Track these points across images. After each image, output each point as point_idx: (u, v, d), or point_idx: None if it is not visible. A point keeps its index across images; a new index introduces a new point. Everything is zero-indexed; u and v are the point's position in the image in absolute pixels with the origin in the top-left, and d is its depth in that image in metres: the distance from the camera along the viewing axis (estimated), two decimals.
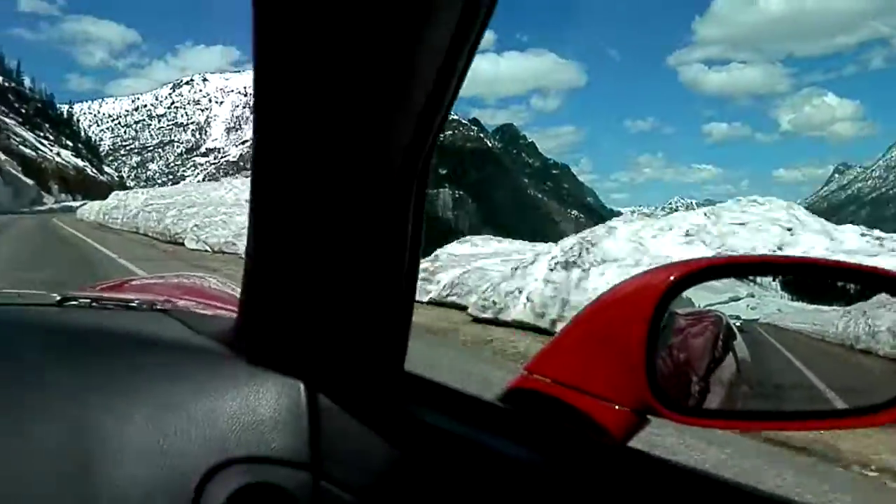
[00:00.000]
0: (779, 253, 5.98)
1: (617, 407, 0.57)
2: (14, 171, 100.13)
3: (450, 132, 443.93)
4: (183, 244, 16.95)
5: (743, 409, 0.64)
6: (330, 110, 0.45)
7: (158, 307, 0.83)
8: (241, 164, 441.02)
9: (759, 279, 0.66)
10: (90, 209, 35.08)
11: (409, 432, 0.55)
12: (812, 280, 0.67)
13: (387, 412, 0.56)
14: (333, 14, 0.41)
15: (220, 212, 18.72)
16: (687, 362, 0.63)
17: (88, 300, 0.82)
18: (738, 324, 0.66)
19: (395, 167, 0.49)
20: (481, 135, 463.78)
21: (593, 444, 0.53)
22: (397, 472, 0.54)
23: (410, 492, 0.53)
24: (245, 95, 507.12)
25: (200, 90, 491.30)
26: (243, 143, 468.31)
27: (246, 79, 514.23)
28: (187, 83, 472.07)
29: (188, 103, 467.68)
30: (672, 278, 0.57)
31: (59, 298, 0.80)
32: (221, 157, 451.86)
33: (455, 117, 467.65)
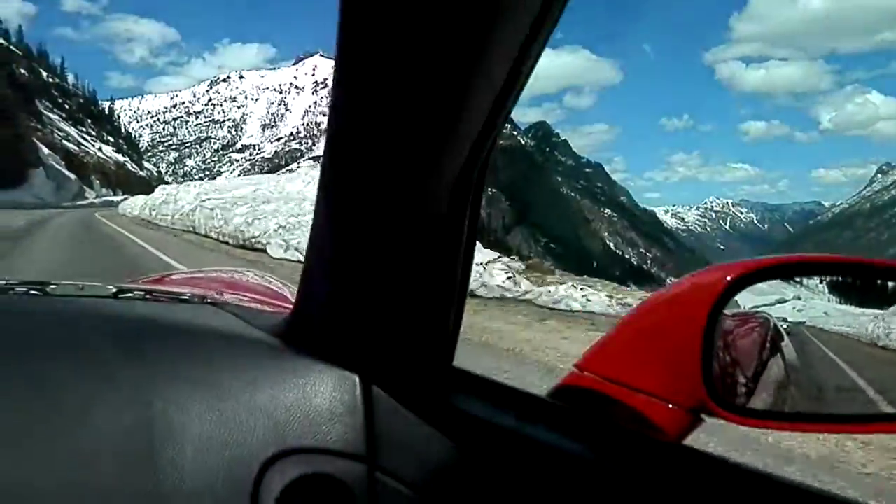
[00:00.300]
0: None
1: (671, 406, 0.56)
2: (57, 166, 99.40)
3: None
4: (264, 251, 12.81)
5: (794, 412, 0.64)
6: (401, 111, 0.46)
7: (209, 300, 0.84)
8: (276, 160, 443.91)
9: (804, 281, 0.66)
10: (133, 204, 32.41)
11: (460, 426, 0.56)
12: (861, 280, 0.66)
13: (439, 406, 0.57)
14: (410, 13, 0.41)
15: (305, 209, 14.68)
16: (735, 363, 0.63)
17: (143, 292, 0.83)
18: (785, 326, 0.66)
19: (458, 168, 0.49)
20: (514, 132, 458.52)
21: (648, 442, 0.53)
22: (451, 465, 0.55)
23: (464, 484, 0.54)
24: (280, 93, 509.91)
25: (237, 87, 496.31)
26: (278, 139, 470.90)
27: (281, 76, 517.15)
28: (224, 80, 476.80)
29: (224, 100, 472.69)
30: (729, 278, 0.57)
31: (114, 290, 0.80)
32: (257, 154, 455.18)
33: None
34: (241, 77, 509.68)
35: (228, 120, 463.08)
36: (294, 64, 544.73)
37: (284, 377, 0.57)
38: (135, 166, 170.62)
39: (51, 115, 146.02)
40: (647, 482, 0.46)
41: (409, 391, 0.57)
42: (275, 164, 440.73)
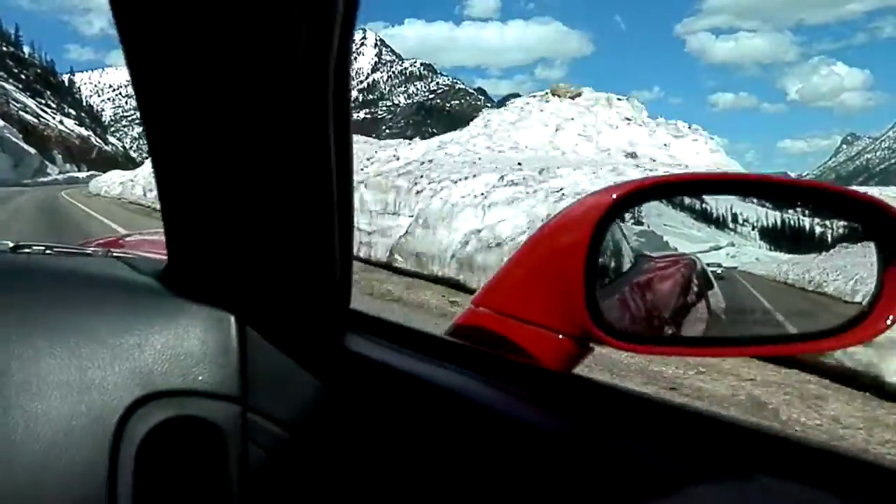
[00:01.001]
0: None
1: (560, 336, 0.57)
2: (14, 139, 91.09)
3: (456, 101, 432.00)
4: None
5: (688, 336, 0.66)
6: (221, 47, 0.45)
7: (114, 253, 0.82)
8: None
9: (738, 228, 0.68)
10: (109, 182, 26.72)
11: (347, 366, 0.56)
12: (747, 196, 0.69)
13: (322, 346, 0.57)
14: None
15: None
16: (650, 299, 0.66)
17: (43, 248, 0.81)
18: (719, 271, 0.68)
19: (301, 96, 0.47)
20: (487, 104, 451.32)
21: (535, 371, 0.52)
22: (327, 405, 0.54)
23: (339, 424, 0.54)
24: None
25: None
26: None
27: None
28: None
29: None
30: (610, 199, 0.56)
31: (12, 245, 0.80)
32: None
33: (461, 86, 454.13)
34: None
35: None
36: None
37: (158, 320, 0.55)
38: (99, 141, 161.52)
39: (5, 85, 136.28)
40: (534, 410, 0.44)
41: (290, 331, 0.56)
42: None
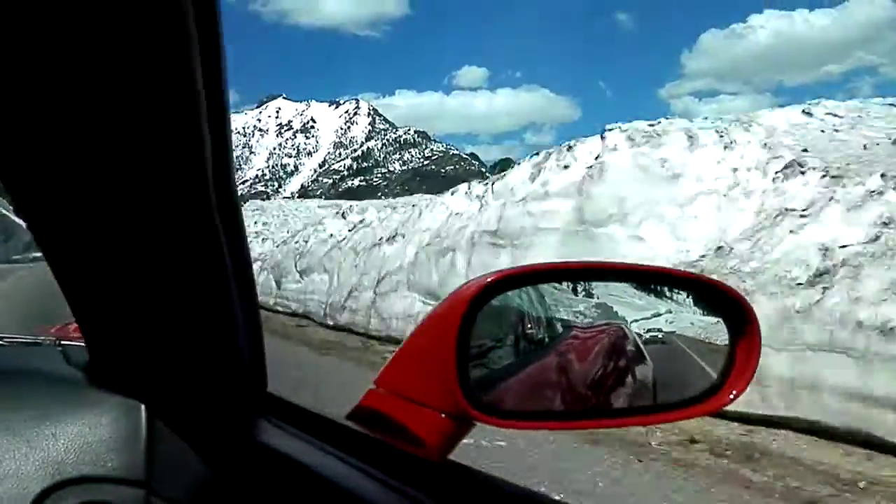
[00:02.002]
0: None
1: (442, 415, 0.60)
2: (3, 211, 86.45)
3: (451, 166, 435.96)
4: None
5: (563, 411, 0.70)
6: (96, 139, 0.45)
7: (60, 342, 0.85)
8: (243, 203, 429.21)
9: (673, 296, 0.74)
10: None
11: (246, 454, 0.58)
12: (595, 281, 0.75)
13: (226, 434, 0.60)
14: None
15: None
16: (555, 372, 0.69)
17: None
18: (660, 335, 0.73)
19: (182, 186, 0.49)
20: (482, 169, 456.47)
21: (418, 462, 0.56)
22: (224, 493, 0.57)
23: None
24: (244, 136, 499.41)
25: None
26: (243, 182, 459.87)
27: (244, 119, 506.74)
28: None
29: None
30: (482, 284, 0.61)
31: None
32: None
33: (455, 152, 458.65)
34: None
35: None
36: (257, 107, 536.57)
37: (75, 410, 0.58)
38: None
39: None
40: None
41: (197, 419, 0.59)
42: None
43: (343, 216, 11.78)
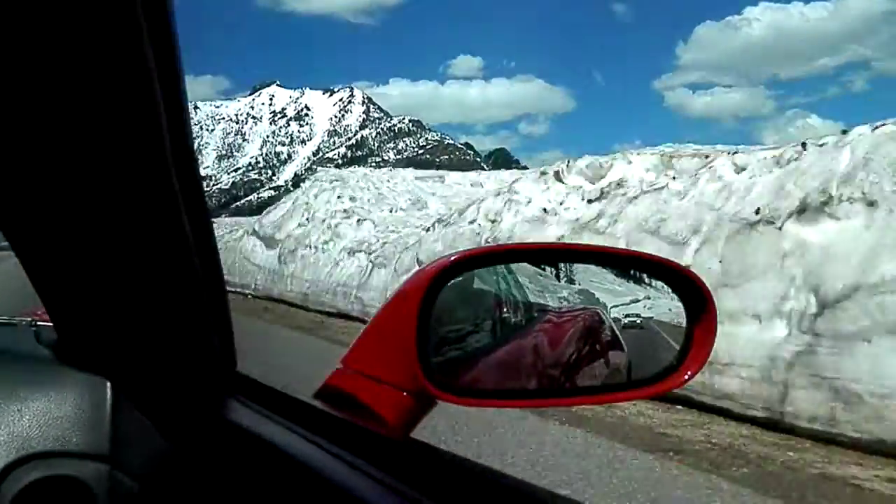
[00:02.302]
0: None
1: (405, 393, 0.61)
2: None
3: (446, 156, 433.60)
4: None
5: (528, 389, 0.70)
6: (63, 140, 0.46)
7: (34, 323, 0.87)
8: (234, 191, 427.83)
9: (653, 282, 0.75)
10: None
11: (211, 431, 0.60)
12: (565, 263, 0.76)
13: (192, 411, 0.61)
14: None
15: None
16: (525, 352, 0.70)
17: None
18: (638, 320, 0.75)
19: (141, 169, 0.49)
20: (477, 159, 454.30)
21: (381, 440, 0.57)
22: (188, 468, 0.59)
23: (194, 484, 0.59)
24: (237, 123, 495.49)
25: (192, 118, 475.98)
26: (235, 170, 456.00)
27: (237, 106, 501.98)
28: None
29: None
30: (443, 264, 0.62)
31: None
32: (213, 185, 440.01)
33: (450, 142, 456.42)
34: (196, 108, 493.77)
35: None
36: (250, 94, 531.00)
37: (42, 387, 0.60)
38: None
39: None
40: (373, 489, 0.47)
41: (162, 396, 0.61)
42: (232, 196, 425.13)
43: (559, 178, 7.27)
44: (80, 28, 0.40)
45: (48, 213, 0.51)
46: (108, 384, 0.59)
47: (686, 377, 0.68)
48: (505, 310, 0.72)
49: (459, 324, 0.68)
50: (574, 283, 0.74)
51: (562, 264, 0.74)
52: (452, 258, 0.63)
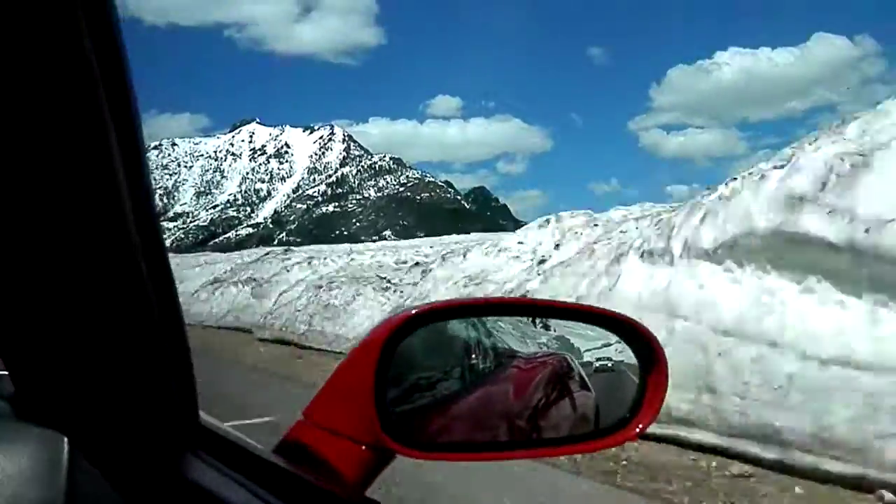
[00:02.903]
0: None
1: (364, 447, 0.62)
2: None
3: (427, 194, 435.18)
4: None
5: (485, 441, 0.71)
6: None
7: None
8: (213, 228, 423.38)
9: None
10: None
11: (168, 489, 0.59)
12: (519, 316, 0.78)
13: (153, 469, 0.60)
14: None
15: None
16: (492, 399, 0.71)
17: None
18: (609, 364, 0.76)
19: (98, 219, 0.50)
20: (458, 197, 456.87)
21: (331, 496, 0.58)
22: None
23: None
24: (216, 160, 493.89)
25: (169, 154, 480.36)
26: (213, 207, 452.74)
27: (217, 142, 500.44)
28: (155, 148, 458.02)
29: (156, 168, 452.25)
30: (400, 319, 0.64)
31: None
32: (191, 222, 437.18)
33: (431, 179, 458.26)
34: (174, 144, 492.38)
35: (159, 188, 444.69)
36: (230, 131, 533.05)
37: None
38: None
39: None
40: None
41: (121, 453, 0.59)
42: (210, 233, 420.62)
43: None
44: (29, 66, 0.40)
45: (3, 260, 0.50)
46: (66, 440, 0.56)
47: (637, 430, 0.69)
48: (474, 356, 0.72)
49: (429, 371, 0.69)
50: (549, 329, 0.77)
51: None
52: (414, 311, 0.65)
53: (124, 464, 0.58)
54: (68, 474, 0.55)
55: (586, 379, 0.74)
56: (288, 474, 0.60)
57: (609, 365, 0.75)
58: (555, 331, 0.76)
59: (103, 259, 0.51)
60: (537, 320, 0.76)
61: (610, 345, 0.75)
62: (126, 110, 0.45)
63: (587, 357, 0.76)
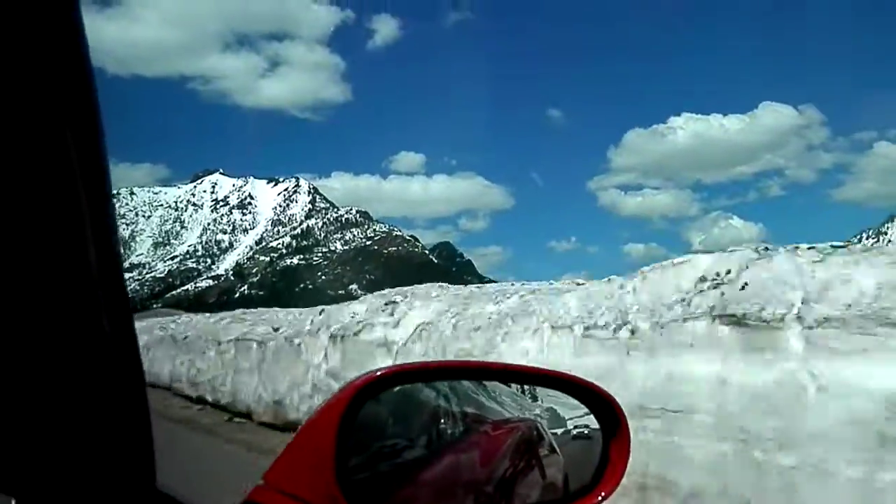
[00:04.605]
0: None
1: None
2: None
3: (394, 247, 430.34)
4: None
5: None
6: None
7: None
8: (170, 279, 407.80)
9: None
10: None
11: None
12: (473, 380, 0.76)
13: None
14: None
15: None
16: (458, 467, 0.70)
17: None
18: (586, 431, 0.75)
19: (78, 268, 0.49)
20: (425, 251, 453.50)
21: None
22: None
23: None
24: (175, 210, 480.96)
25: (126, 204, 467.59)
26: (172, 258, 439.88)
27: (178, 192, 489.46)
28: (112, 197, 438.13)
29: None
30: (362, 383, 0.62)
31: None
32: (147, 273, 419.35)
33: (398, 233, 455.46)
34: (132, 193, 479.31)
35: None
36: (192, 181, 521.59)
37: None
38: None
39: None
40: None
41: None
42: (168, 284, 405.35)
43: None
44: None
45: None
46: (13, 502, 0.54)
47: (600, 498, 0.68)
48: (442, 422, 0.70)
49: (391, 438, 0.67)
50: (537, 400, 0.76)
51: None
52: (378, 373, 0.63)
53: None
54: None
55: (555, 444, 0.75)
56: None
57: (586, 433, 0.74)
58: (542, 402, 0.75)
59: (63, 309, 0.48)
60: (527, 391, 0.75)
61: (591, 413, 0.73)
62: (96, 157, 0.44)
63: (570, 424, 0.74)
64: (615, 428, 0.68)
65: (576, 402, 0.73)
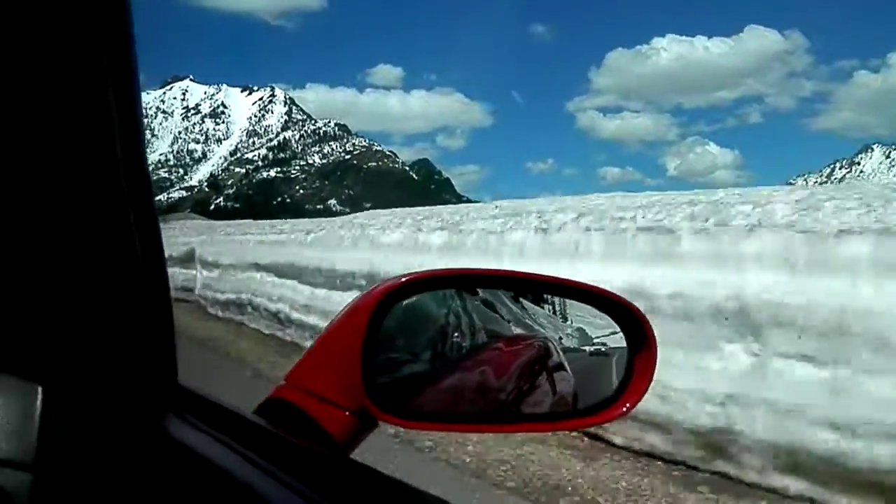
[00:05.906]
0: None
1: (347, 412, 0.62)
2: None
3: (374, 162, 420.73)
4: None
5: (471, 413, 0.72)
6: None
7: None
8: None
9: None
10: None
11: (147, 443, 0.59)
12: (515, 291, 0.77)
13: (130, 424, 0.60)
14: None
15: None
16: (472, 377, 0.72)
17: None
18: (604, 349, 0.77)
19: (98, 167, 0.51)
20: (405, 167, 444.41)
21: (315, 459, 0.57)
22: (120, 481, 0.57)
23: (125, 498, 0.57)
24: (146, 117, 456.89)
25: None
26: None
27: (147, 98, 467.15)
28: None
29: None
30: (388, 287, 0.63)
31: None
32: None
33: (378, 148, 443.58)
34: None
35: None
36: (161, 87, 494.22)
37: None
38: None
39: None
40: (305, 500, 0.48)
41: (97, 406, 0.59)
42: None
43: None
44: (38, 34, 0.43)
45: None
46: (40, 390, 0.56)
47: (624, 409, 0.70)
48: (456, 335, 0.73)
49: (410, 345, 0.70)
50: (567, 321, 0.77)
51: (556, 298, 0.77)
52: (403, 279, 0.64)
53: (99, 417, 0.58)
54: (40, 425, 0.55)
55: (565, 363, 0.76)
56: (270, 434, 0.59)
57: (603, 350, 0.76)
58: (572, 322, 0.77)
59: (91, 210, 0.51)
60: (557, 310, 0.76)
61: (617, 332, 0.74)
62: (126, 57, 0.47)
63: (571, 343, 0.77)
64: (641, 343, 0.69)
65: (603, 322, 0.74)
